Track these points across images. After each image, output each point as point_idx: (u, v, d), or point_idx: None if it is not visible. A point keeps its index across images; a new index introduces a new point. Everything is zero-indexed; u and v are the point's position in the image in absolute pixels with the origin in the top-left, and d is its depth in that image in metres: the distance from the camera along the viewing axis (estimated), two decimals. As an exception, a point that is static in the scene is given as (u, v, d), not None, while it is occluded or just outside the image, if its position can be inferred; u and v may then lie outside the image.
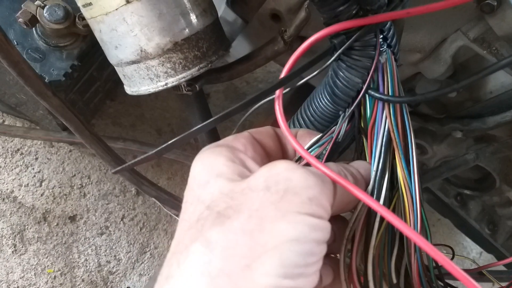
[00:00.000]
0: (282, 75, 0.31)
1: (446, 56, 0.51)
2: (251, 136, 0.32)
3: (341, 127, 0.34)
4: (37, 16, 0.50)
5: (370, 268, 0.30)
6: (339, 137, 0.34)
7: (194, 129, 0.32)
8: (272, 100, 0.35)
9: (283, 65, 0.68)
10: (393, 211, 0.33)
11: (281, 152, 0.34)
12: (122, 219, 0.86)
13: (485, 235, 0.75)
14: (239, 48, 0.56)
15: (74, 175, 0.85)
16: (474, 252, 1.12)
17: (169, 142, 0.32)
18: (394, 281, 0.32)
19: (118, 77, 0.80)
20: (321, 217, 0.26)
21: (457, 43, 0.49)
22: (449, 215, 0.80)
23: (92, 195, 0.85)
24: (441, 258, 0.25)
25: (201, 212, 0.27)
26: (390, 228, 0.32)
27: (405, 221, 0.32)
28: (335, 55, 0.33)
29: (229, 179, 0.28)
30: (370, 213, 0.31)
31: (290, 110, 0.45)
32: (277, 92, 0.31)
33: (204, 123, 0.34)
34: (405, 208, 0.32)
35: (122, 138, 0.73)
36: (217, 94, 1.00)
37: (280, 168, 0.27)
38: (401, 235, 0.34)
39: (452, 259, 0.39)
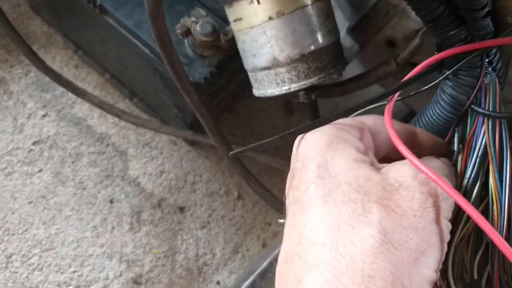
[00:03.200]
0: (405, 78, 0.36)
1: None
2: (367, 127, 0.34)
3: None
4: (191, 29, 0.62)
5: (450, 259, 0.33)
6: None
7: (317, 120, 0.36)
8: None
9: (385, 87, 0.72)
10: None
11: (389, 147, 0.35)
12: (222, 218, 0.96)
13: None
14: (352, 70, 0.62)
15: (189, 172, 0.97)
16: None
17: (292, 130, 0.36)
18: (475, 277, 0.34)
19: (238, 92, 0.90)
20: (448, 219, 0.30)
21: None
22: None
23: (201, 191, 0.97)
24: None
25: (350, 193, 0.28)
26: (477, 230, 0.35)
27: (492, 225, 0.35)
28: (445, 75, 0.37)
29: (370, 167, 0.29)
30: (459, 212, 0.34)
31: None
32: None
33: (318, 120, 0.40)
34: (493, 215, 0.35)
35: (235, 142, 0.83)
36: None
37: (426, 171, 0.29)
38: (487, 245, 0.36)
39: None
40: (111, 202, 0.96)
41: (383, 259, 0.26)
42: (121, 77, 0.96)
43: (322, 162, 0.29)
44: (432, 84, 0.38)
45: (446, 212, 0.30)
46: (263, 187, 0.69)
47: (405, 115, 0.74)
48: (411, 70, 0.54)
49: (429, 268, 0.27)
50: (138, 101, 0.97)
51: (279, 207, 0.70)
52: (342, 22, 0.59)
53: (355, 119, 0.34)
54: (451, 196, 0.28)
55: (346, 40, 0.61)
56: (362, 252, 0.26)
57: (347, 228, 0.26)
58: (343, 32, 0.60)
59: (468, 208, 0.28)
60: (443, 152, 0.38)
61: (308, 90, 0.50)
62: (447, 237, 0.30)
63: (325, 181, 0.28)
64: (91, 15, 0.71)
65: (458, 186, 0.36)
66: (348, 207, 0.27)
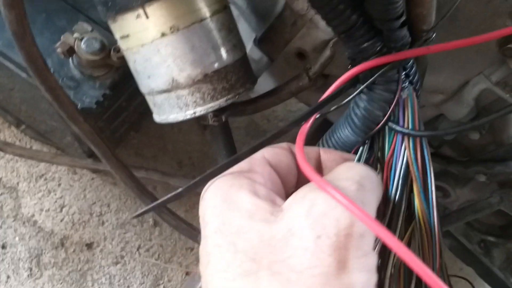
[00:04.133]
0: (321, 99, 0.32)
1: (468, 98, 0.51)
2: (267, 161, 0.30)
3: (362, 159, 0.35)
4: (75, 47, 0.53)
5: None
6: None
7: (222, 163, 0.30)
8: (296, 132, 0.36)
9: (304, 102, 0.69)
10: (408, 242, 0.33)
11: (297, 172, 0.32)
12: (138, 249, 0.87)
13: (509, 285, 0.73)
14: (264, 84, 0.58)
15: (94, 202, 0.87)
16: (497, 305, 1.07)
17: (198, 178, 0.30)
18: None
19: (144, 109, 0.82)
20: (372, 253, 0.25)
21: (480, 86, 0.50)
22: (472, 263, 0.77)
23: (110, 223, 0.86)
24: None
25: (245, 264, 0.24)
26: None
27: (424, 252, 0.32)
28: (358, 90, 0.34)
29: (264, 220, 0.25)
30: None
31: (312, 144, 0.46)
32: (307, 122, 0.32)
33: (233, 157, 0.33)
34: (422, 240, 0.32)
35: (144, 167, 0.75)
36: (238, 130, 1.02)
37: (322, 206, 0.24)
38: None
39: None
40: (3, 247, 0.83)
41: None
42: (3, 102, 0.83)
43: (219, 225, 0.26)
44: (346, 100, 0.35)
45: (362, 249, 0.24)
46: (177, 217, 0.62)
47: (318, 125, 0.72)
48: (324, 82, 0.51)
49: None
50: (26, 128, 0.84)
51: (196, 236, 0.63)
52: (249, 33, 0.54)
53: (252, 158, 0.30)
54: (359, 218, 0.23)
55: (254, 52, 0.56)
56: None
57: None
58: (250, 44, 0.55)
59: (384, 234, 0.23)
60: None
61: (217, 112, 0.44)
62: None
63: (223, 249, 0.26)
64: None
65: (382, 211, 0.33)
66: (242, 282, 0.24)
